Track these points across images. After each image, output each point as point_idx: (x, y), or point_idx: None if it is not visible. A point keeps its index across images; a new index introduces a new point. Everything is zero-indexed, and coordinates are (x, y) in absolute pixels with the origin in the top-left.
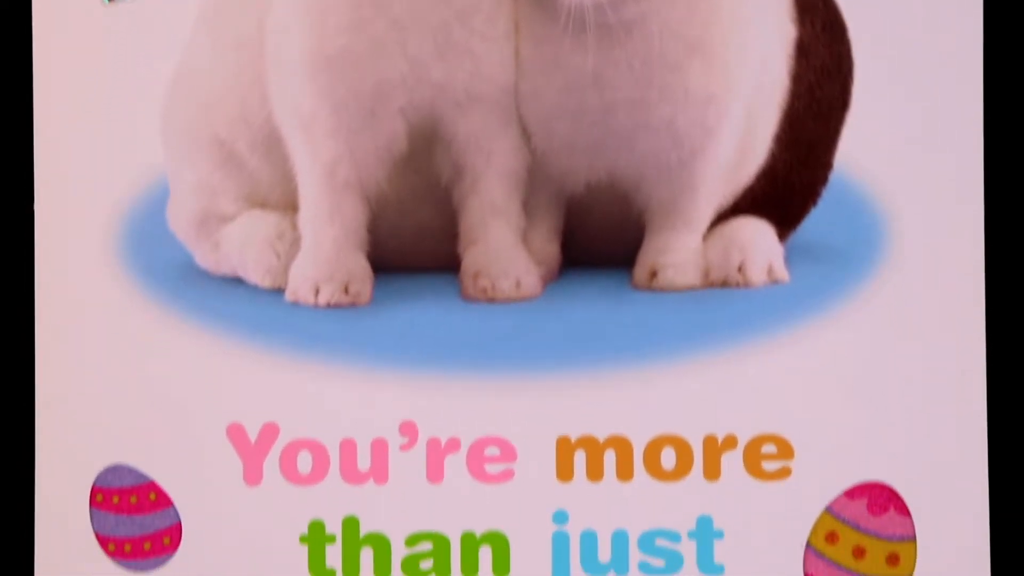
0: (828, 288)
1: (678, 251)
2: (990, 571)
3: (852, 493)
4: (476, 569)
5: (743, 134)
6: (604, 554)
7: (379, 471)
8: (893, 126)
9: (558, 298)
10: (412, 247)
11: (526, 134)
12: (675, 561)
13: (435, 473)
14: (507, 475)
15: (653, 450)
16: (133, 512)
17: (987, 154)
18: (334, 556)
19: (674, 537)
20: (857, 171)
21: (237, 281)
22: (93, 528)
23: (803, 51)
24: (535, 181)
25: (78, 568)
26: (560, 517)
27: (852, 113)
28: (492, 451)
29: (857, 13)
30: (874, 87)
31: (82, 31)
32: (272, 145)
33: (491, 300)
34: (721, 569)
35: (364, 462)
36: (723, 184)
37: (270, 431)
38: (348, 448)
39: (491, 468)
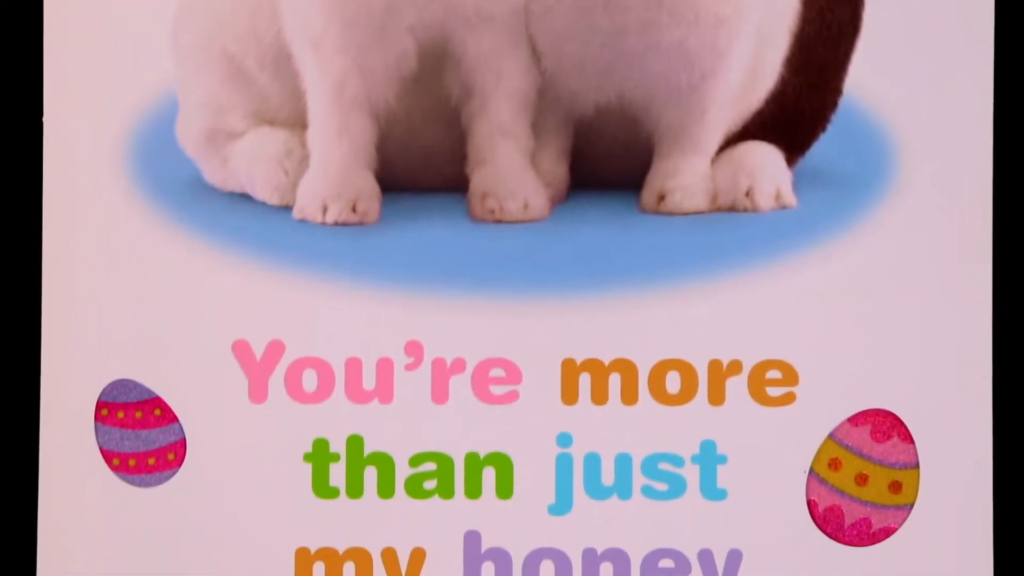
0: (836, 214)
1: (686, 175)
2: (992, 499)
3: (856, 420)
4: (479, 490)
5: (753, 58)
6: (607, 477)
7: (384, 391)
8: (904, 52)
9: (566, 220)
10: (420, 166)
11: (536, 55)
12: (678, 485)
13: (440, 394)
14: (512, 397)
15: (658, 374)
16: (138, 427)
17: (997, 80)
18: (338, 475)
19: (677, 461)
20: (867, 97)
21: (245, 197)
22: (98, 443)
23: None
24: (544, 103)
25: (82, 483)
26: (564, 440)
27: (862, 38)
28: (497, 372)
29: None
30: (885, 12)
31: None
32: (281, 62)
33: (499, 221)
34: (724, 494)
35: (369, 381)
36: (732, 108)
37: (275, 348)
38: (353, 367)
39: (496, 389)
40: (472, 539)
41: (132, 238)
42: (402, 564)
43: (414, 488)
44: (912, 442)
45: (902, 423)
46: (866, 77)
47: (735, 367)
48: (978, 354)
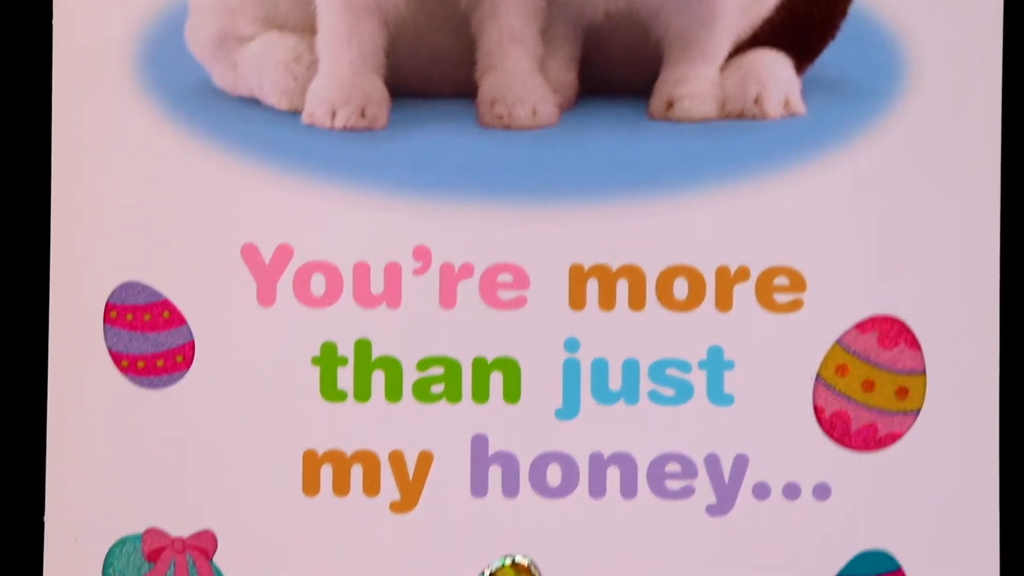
0: (844, 122)
1: (695, 82)
2: (999, 403)
3: (863, 326)
4: (487, 395)
5: None
6: (615, 382)
7: (392, 295)
8: None
9: (574, 127)
10: (429, 72)
11: None
12: (685, 391)
13: (448, 298)
14: (519, 302)
15: (665, 280)
16: (147, 329)
17: None
18: (346, 378)
19: (685, 367)
20: (876, 4)
21: (254, 102)
22: (107, 345)
23: None
24: (554, 9)
25: (91, 384)
26: (571, 345)
27: None
28: (505, 278)
29: None
30: None
31: None
32: None
33: (507, 127)
34: (731, 399)
35: (377, 286)
36: (742, 15)
37: (284, 252)
38: (361, 271)
39: (504, 294)
40: (479, 443)
41: (141, 142)
42: (409, 467)
43: (422, 392)
44: (919, 348)
45: (909, 329)
46: None
47: (743, 273)
48: (985, 261)
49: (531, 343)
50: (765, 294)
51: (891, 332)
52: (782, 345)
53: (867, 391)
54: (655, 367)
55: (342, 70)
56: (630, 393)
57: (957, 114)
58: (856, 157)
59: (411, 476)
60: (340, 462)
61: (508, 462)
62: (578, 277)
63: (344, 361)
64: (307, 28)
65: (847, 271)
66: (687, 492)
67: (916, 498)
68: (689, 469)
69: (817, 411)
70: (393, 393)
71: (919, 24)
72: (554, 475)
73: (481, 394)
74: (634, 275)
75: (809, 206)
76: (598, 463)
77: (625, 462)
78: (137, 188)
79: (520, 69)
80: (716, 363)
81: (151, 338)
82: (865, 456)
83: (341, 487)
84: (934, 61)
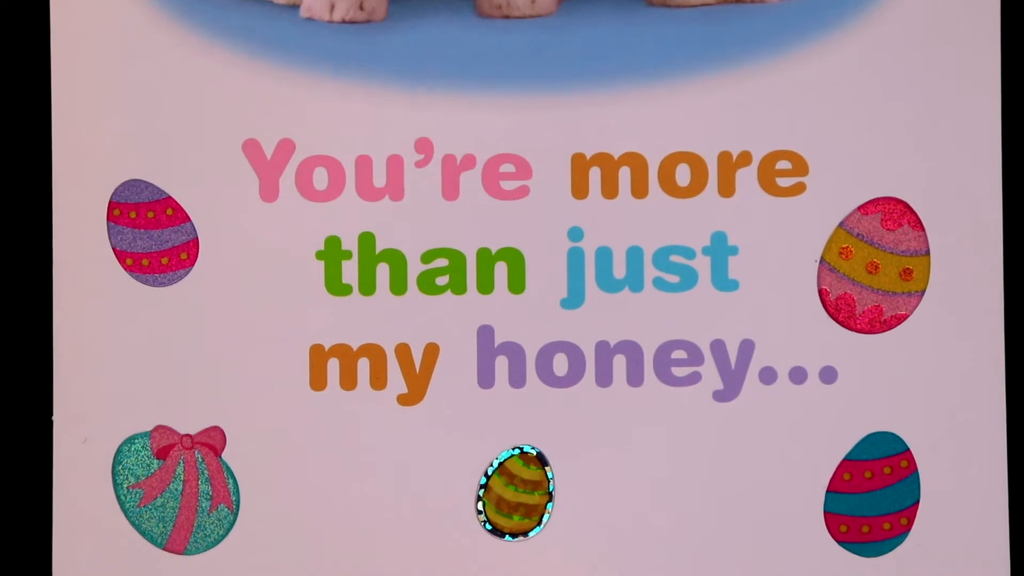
0: (844, 3)
1: None
2: (1003, 281)
3: (866, 208)
4: (492, 285)
5: None
6: (619, 270)
7: (395, 188)
8: None
9: (573, 15)
10: None
11: None
12: (689, 277)
13: (450, 190)
14: (522, 192)
15: (668, 167)
16: (150, 227)
17: None
18: (350, 272)
19: (688, 253)
20: None
21: None
22: (111, 243)
23: None
24: None
25: (96, 283)
26: (575, 234)
27: None
28: (507, 168)
29: None
30: None
31: None
32: None
33: (506, 16)
34: (735, 285)
35: (380, 179)
36: None
37: (286, 147)
38: (364, 164)
39: (506, 185)
40: (485, 333)
41: (141, 39)
42: (416, 359)
43: (426, 284)
44: (922, 229)
45: (912, 210)
46: None
47: (745, 158)
48: (987, 139)
49: (535, 233)
50: (767, 178)
51: (894, 213)
52: (786, 229)
53: (871, 273)
54: (659, 254)
55: None
56: (635, 281)
57: None
58: (857, 38)
59: (418, 368)
60: (347, 356)
61: (515, 352)
62: (580, 166)
63: (348, 255)
64: None
65: (849, 153)
66: (694, 379)
67: (923, 379)
68: (695, 355)
69: (822, 294)
70: (398, 286)
71: None
72: (560, 364)
73: (486, 285)
74: (636, 162)
75: (810, 89)
76: (604, 351)
77: (631, 350)
78: (137, 86)
79: None
80: (720, 249)
81: (155, 235)
82: (871, 338)
83: (348, 381)
84: None
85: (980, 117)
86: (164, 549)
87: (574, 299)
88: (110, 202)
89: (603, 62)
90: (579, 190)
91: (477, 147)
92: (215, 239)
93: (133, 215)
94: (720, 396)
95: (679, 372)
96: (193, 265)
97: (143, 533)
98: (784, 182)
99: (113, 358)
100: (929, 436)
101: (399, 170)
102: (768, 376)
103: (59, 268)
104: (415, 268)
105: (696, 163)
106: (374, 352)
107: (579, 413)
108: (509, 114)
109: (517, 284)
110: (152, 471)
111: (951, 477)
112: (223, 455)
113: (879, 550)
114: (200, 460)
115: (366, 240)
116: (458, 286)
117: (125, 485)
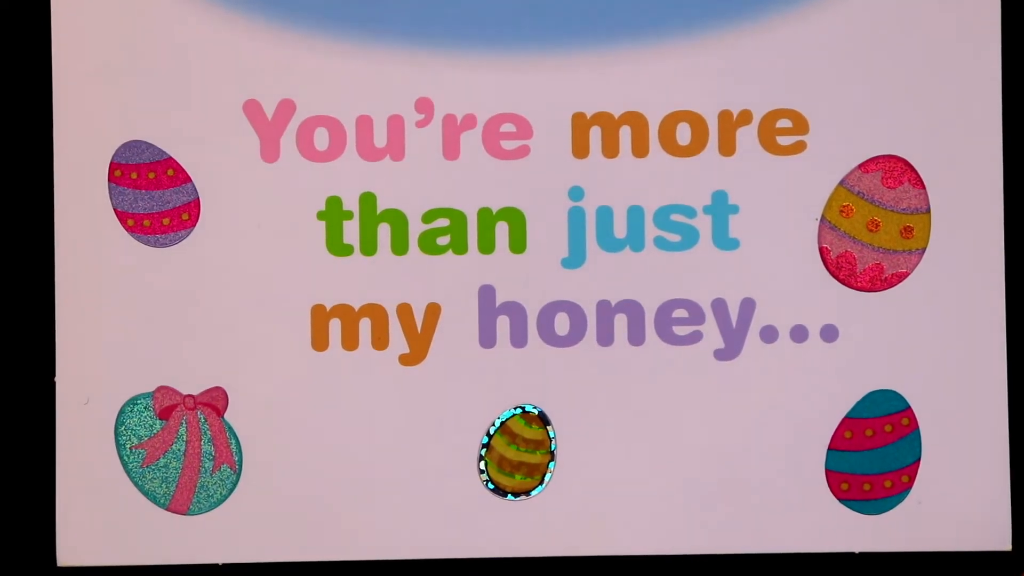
0: None
1: None
2: (1004, 236)
3: (867, 166)
4: (493, 245)
5: None
6: (620, 229)
7: (395, 148)
8: None
9: None
10: None
11: None
12: (690, 236)
13: (451, 150)
14: (523, 151)
15: (668, 126)
16: (152, 188)
17: None
18: (351, 232)
19: (689, 212)
20: None
21: None
22: (112, 204)
23: None
24: None
25: (98, 244)
26: (576, 193)
27: None
28: (508, 128)
29: None
30: None
31: None
32: None
33: None
34: (736, 243)
35: (380, 139)
36: None
37: (286, 107)
38: (364, 125)
39: (507, 144)
40: (487, 293)
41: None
42: (417, 319)
43: (427, 244)
44: (923, 187)
45: (913, 168)
46: None
47: (745, 117)
48: (988, 96)
49: (535, 192)
50: (768, 137)
51: (894, 171)
52: (786, 187)
53: (872, 231)
54: (660, 213)
55: None
56: (636, 240)
57: None
58: None
59: (419, 328)
60: (348, 316)
61: (516, 312)
62: (581, 125)
63: (349, 215)
64: None
65: (849, 111)
66: (695, 337)
67: (924, 337)
68: (696, 314)
69: (823, 252)
70: (399, 246)
71: None
72: (562, 324)
73: (487, 245)
74: (637, 121)
75: (810, 47)
76: (605, 311)
77: (633, 309)
78: (137, 46)
79: None
80: (721, 207)
81: (156, 196)
82: (872, 296)
83: (350, 341)
84: None
85: (980, 74)
86: (167, 509)
87: (575, 258)
88: (111, 163)
89: (602, 21)
90: (580, 149)
91: (477, 107)
92: (216, 200)
93: (134, 176)
94: (721, 355)
95: (680, 331)
96: (194, 226)
97: (146, 494)
98: (784, 140)
99: (115, 319)
100: (930, 394)
101: (400, 130)
102: (769, 335)
103: (60, 229)
104: (416, 228)
105: (696, 122)
106: (376, 312)
107: (581, 372)
108: (509, 74)
109: (518, 244)
110: (154, 432)
111: (952, 434)
112: (225, 415)
113: (880, 508)
114: (202, 420)
115: (367, 200)
116: (459, 246)
117: (128, 446)
